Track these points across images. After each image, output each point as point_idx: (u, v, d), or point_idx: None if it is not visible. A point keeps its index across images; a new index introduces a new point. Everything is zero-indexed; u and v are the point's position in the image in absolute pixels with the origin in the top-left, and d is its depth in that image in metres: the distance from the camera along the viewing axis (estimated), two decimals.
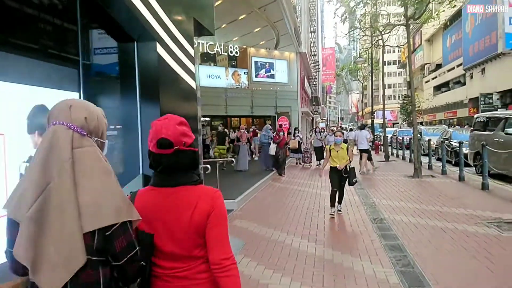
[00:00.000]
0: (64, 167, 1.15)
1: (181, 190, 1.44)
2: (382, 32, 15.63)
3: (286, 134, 21.06)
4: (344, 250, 4.63)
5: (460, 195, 7.78)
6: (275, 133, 12.62)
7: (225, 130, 17.42)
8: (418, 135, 20.98)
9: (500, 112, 10.99)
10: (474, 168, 11.32)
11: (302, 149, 14.76)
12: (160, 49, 3.72)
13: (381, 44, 16.39)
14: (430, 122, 48.31)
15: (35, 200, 1.12)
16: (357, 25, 17.17)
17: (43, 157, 1.16)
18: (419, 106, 48.95)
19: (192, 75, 4.61)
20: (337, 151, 6.32)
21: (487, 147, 8.23)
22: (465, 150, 13.57)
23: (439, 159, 14.68)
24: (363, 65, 27.19)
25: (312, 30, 40.40)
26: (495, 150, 8.65)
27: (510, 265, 4.04)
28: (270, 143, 12.34)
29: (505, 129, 9.25)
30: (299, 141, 14.37)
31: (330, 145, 6.59)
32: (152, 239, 1.41)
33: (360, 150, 12.95)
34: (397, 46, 18.63)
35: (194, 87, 4.73)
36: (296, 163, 15.17)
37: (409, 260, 4.20)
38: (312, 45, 41.21)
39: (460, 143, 9.81)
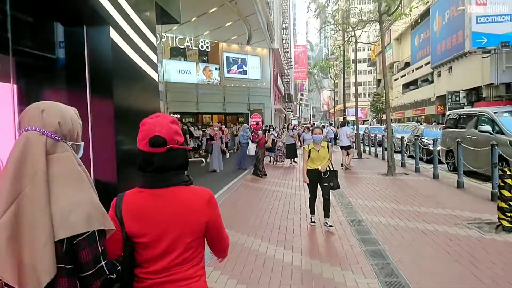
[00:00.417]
0: (38, 175, 1.13)
1: (173, 190, 1.41)
2: (355, 29, 15.50)
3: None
4: (323, 259, 4.29)
5: (436, 194, 7.66)
6: (253, 132, 12.08)
7: (186, 126, 16.71)
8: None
9: (472, 109, 11.07)
10: (446, 165, 11.36)
11: (275, 147, 14.32)
12: (114, 35, 3.20)
13: (354, 41, 16.26)
14: (399, 119, 49.46)
15: (7, 209, 1.10)
16: (330, 21, 16.96)
17: (16, 165, 1.14)
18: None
19: (154, 66, 4.09)
20: (318, 150, 5.48)
21: (462, 144, 8.16)
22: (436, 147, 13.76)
23: (410, 156, 14.79)
24: (334, 62, 27.20)
25: (284, 26, 40.25)
26: (469, 147, 8.61)
27: (495, 269, 3.82)
28: (248, 143, 11.84)
29: (478, 127, 9.24)
30: (273, 139, 13.95)
31: (309, 145, 5.69)
32: (133, 251, 1.40)
33: (341, 147, 12.96)
34: (369, 43, 18.60)
35: (157, 80, 4.22)
36: (270, 162, 14.77)
37: (392, 268, 3.90)
38: (284, 41, 41.07)
39: (435, 140, 9.75)
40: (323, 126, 24.02)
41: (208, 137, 14.22)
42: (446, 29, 32.54)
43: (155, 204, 1.39)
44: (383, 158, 15.31)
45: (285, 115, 46.53)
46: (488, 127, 8.79)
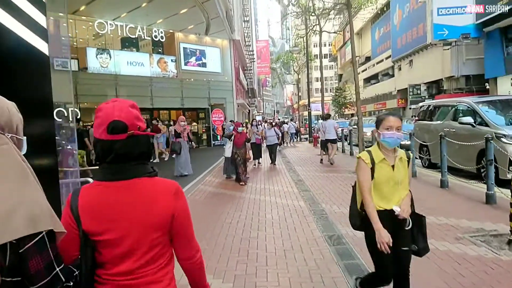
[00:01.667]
0: None
1: (136, 183, 1.27)
2: (319, 15, 14.47)
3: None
4: None
5: (421, 196, 6.64)
6: (232, 128, 9.73)
7: (81, 126, 13.53)
8: (355, 126, 20.65)
9: (450, 100, 10.33)
10: (419, 161, 10.56)
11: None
12: None
13: (318, 29, 15.24)
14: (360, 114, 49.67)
15: None
16: (294, 3, 15.85)
17: None
18: (350, 98, 50.31)
19: (40, 30, 2.65)
20: (392, 165, 2.49)
21: (446, 138, 7.25)
22: (405, 142, 13.04)
23: None
24: (298, 55, 26.26)
25: (245, 19, 38.89)
26: (450, 140, 7.72)
27: None
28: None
29: (458, 118, 8.42)
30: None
31: (370, 151, 2.56)
32: (93, 251, 1.26)
33: (327, 140, 12.28)
34: (334, 32, 17.70)
35: (46, 53, 2.78)
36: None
37: None
38: (246, 35, 39.78)
39: (411, 134, 8.84)
40: (283, 122, 23.01)
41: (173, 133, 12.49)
42: (406, 22, 32.59)
43: (116, 198, 1.25)
44: (351, 154, 14.44)
45: (249, 110, 45.28)
46: (469, 119, 7.97)
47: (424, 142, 9.67)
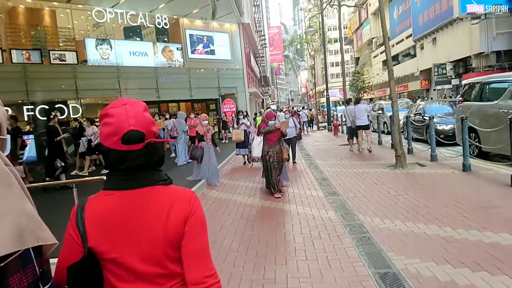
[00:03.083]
0: None
1: (149, 192, 1.13)
2: None
3: (234, 118, 17.51)
4: None
5: (491, 201, 5.08)
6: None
7: (77, 122, 11.89)
8: (380, 111, 18.89)
9: (505, 74, 8.56)
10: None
11: (250, 142, 10.27)
12: None
13: (336, 4, 13.49)
14: (380, 97, 47.42)
15: None
16: None
17: None
18: (369, 82, 48.06)
19: None
20: None
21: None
22: (444, 127, 11.33)
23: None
24: (313, 36, 24.43)
25: (255, 3, 37.07)
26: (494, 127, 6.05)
27: None
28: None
29: None
30: (245, 130, 10.50)
31: None
32: (100, 271, 1.10)
33: (358, 126, 11.16)
34: (354, 6, 15.91)
35: None
36: (244, 163, 10.71)
37: None
38: (257, 20, 37.99)
39: (462, 119, 7.18)
40: (296, 111, 21.27)
41: (186, 134, 10.53)
42: None
43: (129, 209, 1.11)
44: (379, 143, 12.79)
45: (263, 99, 43.66)
46: None
47: (474, 126, 7.99)
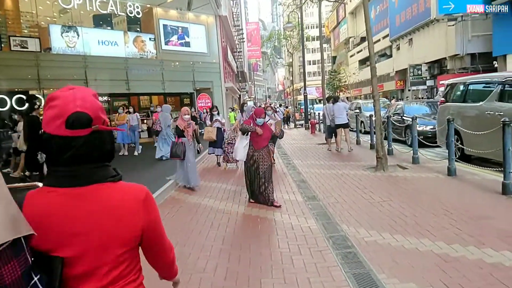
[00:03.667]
0: None
1: (97, 189, 1.04)
2: None
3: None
4: None
5: (482, 210, 4.71)
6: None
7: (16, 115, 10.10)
8: (357, 111, 18.66)
9: (492, 75, 8.31)
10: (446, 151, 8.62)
11: (224, 141, 9.31)
12: None
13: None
14: (356, 97, 47.76)
15: None
16: None
17: None
18: (345, 81, 48.29)
19: None
20: None
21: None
22: (423, 128, 11.12)
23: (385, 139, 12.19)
24: (291, 32, 23.98)
25: None
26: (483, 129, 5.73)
27: None
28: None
29: (509, 99, 6.45)
30: (218, 128, 9.57)
31: None
32: (62, 264, 1.00)
33: (338, 125, 10.86)
34: (335, 1, 15.51)
35: None
36: (218, 164, 9.75)
37: None
38: (234, 14, 37.22)
39: (449, 120, 6.85)
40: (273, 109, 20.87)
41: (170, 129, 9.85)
42: None
43: (72, 207, 1.02)
44: (357, 143, 12.46)
45: (240, 95, 42.95)
46: None
47: (458, 128, 7.71)
